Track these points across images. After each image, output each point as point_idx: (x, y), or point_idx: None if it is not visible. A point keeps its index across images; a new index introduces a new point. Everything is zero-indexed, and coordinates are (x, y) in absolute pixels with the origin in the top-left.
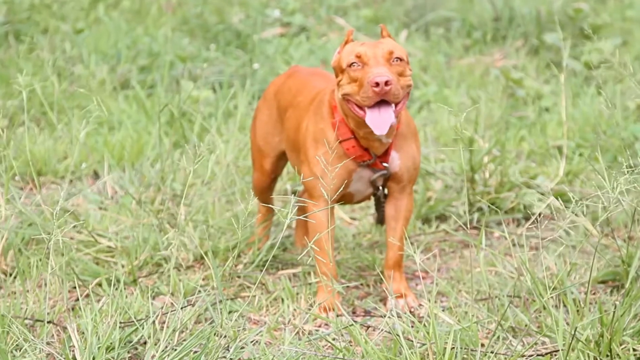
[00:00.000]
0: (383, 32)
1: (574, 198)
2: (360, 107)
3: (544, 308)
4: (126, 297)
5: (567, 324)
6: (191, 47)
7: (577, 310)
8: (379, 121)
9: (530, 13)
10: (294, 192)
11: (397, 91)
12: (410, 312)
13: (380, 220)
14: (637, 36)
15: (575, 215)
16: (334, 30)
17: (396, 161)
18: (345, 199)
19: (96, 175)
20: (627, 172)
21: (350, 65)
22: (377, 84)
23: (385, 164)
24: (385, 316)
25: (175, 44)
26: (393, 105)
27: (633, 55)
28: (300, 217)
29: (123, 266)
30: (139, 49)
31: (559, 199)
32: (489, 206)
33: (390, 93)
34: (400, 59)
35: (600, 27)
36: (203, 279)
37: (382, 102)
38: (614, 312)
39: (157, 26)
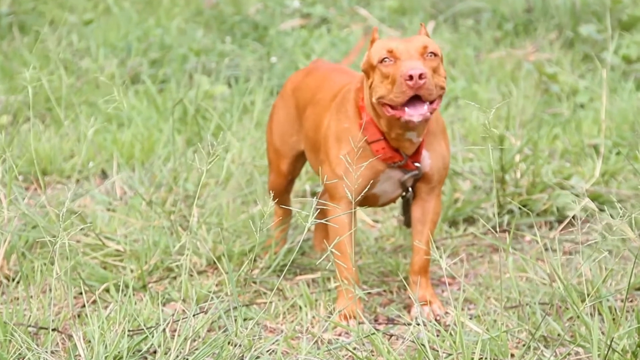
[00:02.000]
0: (421, 31)
1: (611, 200)
2: (394, 108)
3: (578, 317)
4: (135, 303)
5: (603, 333)
6: (205, 39)
7: (614, 319)
8: (415, 109)
9: (564, 3)
10: (314, 194)
11: (431, 86)
12: (436, 320)
13: (408, 222)
14: None
15: (612, 218)
16: (357, 21)
17: (427, 160)
18: (369, 201)
19: (104, 175)
20: None
21: (381, 61)
22: (411, 77)
23: (417, 164)
24: (409, 324)
25: (189, 36)
26: (427, 104)
27: None
28: (322, 221)
29: (132, 271)
30: (150, 41)
31: (595, 201)
32: (520, 208)
33: (424, 88)
34: (435, 54)
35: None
36: (216, 285)
37: (415, 100)
38: None
39: (169, 17)
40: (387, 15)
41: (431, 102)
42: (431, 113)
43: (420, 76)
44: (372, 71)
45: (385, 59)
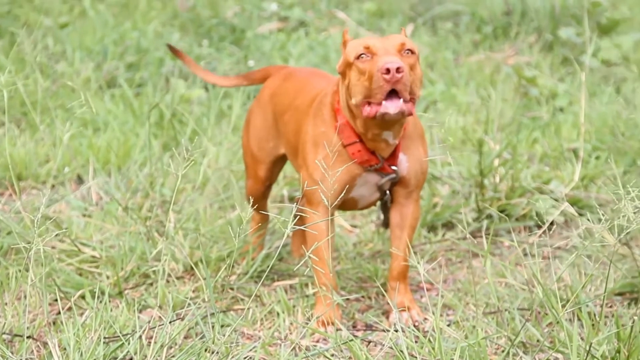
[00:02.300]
0: (402, 32)
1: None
2: (371, 106)
3: (557, 322)
4: (111, 310)
5: (582, 339)
6: (182, 42)
7: (593, 325)
8: (391, 102)
9: (544, 6)
10: (292, 199)
11: (407, 81)
12: (415, 326)
13: (386, 223)
14: None
15: (592, 222)
16: (335, 25)
17: (404, 164)
18: (348, 205)
19: (80, 180)
20: None
21: (358, 57)
22: (388, 71)
23: (394, 167)
24: (388, 331)
25: (166, 39)
26: (401, 100)
27: None
28: (300, 227)
29: (108, 277)
30: (126, 44)
31: (574, 205)
32: (498, 213)
33: (401, 82)
34: (412, 52)
35: (619, 21)
36: (193, 291)
37: (392, 96)
38: (632, 326)
39: (146, 20)
40: (366, 18)
41: (407, 102)
42: (410, 113)
43: (398, 69)
44: (348, 70)
45: (362, 55)
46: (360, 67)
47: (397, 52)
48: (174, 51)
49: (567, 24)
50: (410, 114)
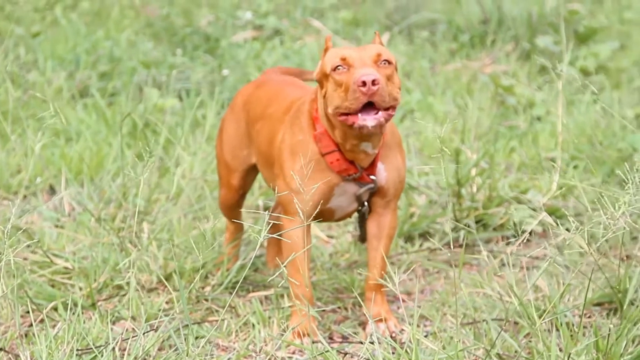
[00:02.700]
0: (376, 40)
1: (567, 214)
2: (348, 115)
3: (535, 333)
4: (84, 322)
5: (560, 349)
6: (156, 52)
7: (571, 335)
8: (369, 115)
9: (521, 15)
10: (267, 209)
11: (384, 93)
12: (391, 337)
13: (363, 237)
14: (636, 39)
15: (569, 232)
16: (310, 33)
17: (382, 173)
18: (325, 215)
19: (52, 191)
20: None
21: (334, 69)
22: (364, 83)
23: (372, 177)
24: (364, 342)
25: (139, 48)
26: (380, 112)
27: (631, 60)
28: (275, 235)
29: (81, 289)
30: (99, 53)
31: (552, 215)
32: (476, 223)
33: (377, 94)
34: (389, 62)
35: (596, 29)
36: (167, 303)
37: (369, 108)
38: (610, 336)
39: (119, 29)
40: (341, 27)
41: (385, 110)
42: (386, 121)
43: (374, 82)
44: (325, 80)
45: (339, 67)
46: (337, 79)
47: (373, 64)
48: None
49: (545, 32)
50: (389, 119)
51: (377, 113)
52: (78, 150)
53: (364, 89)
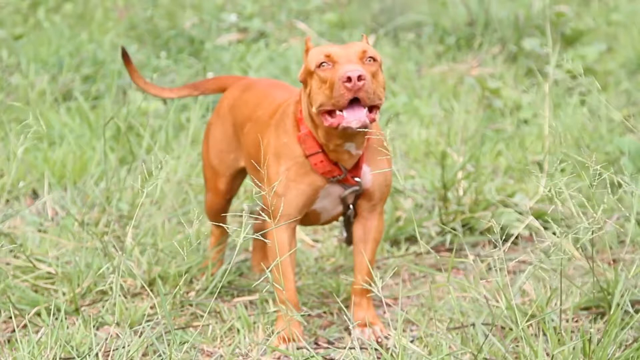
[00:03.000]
0: (364, 41)
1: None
2: (332, 115)
3: (522, 337)
4: (67, 327)
5: (547, 354)
6: (140, 54)
7: (558, 339)
8: (354, 116)
9: (507, 17)
10: (252, 213)
11: (370, 89)
12: (377, 342)
13: (349, 240)
14: (623, 42)
15: (556, 236)
16: (295, 35)
17: (368, 176)
18: (310, 218)
19: (35, 195)
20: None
21: (319, 65)
22: (350, 79)
23: (357, 179)
24: (350, 347)
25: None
26: (365, 109)
27: (619, 63)
28: (256, 237)
29: (64, 294)
30: (82, 56)
31: (539, 219)
32: (462, 227)
33: (363, 90)
34: (374, 59)
35: (583, 32)
36: (151, 308)
37: (354, 104)
38: (596, 340)
39: (102, 32)
40: (327, 29)
41: (370, 110)
42: (371, 122)
43: (359, 77)
44: (309, 78)
45: (323, 64)
46: (322, 76)
47: (358, 60)
48: (126, 57)
49: (531, 34)
50: (373, 120)
51: (362, 111)
52: (61, 154)
53: (349, 85)
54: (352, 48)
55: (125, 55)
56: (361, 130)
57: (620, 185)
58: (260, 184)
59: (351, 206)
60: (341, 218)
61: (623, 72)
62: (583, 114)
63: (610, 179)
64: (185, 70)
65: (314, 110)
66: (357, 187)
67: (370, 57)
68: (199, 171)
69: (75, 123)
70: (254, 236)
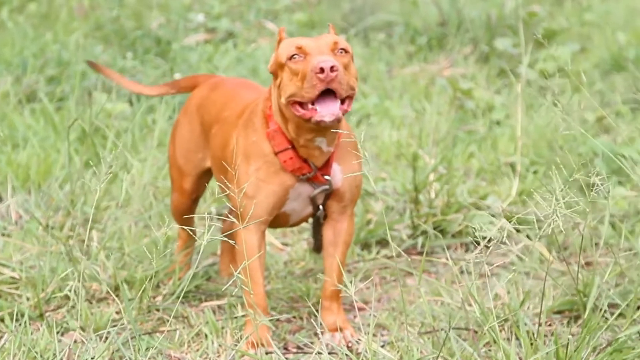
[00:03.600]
0: (330, 31)
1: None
2: (304, 107)
3: (495, 341)
4: (31, 333)
5: (520, 358)
6: (105, 55)
7: (531, 343)
8: (327, 108)
9: (479, 17)
10: (219, 215)
11: (343, 80)
12: (348, 347)
13: (318, 247)
14: (597, 42)
15: (529, 239)
16: (264, 36)
17: (338, 175)
18: (280, 220)
19: None
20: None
21: (290, 57)
22: (322, 70)
23: (327, 177)
24: (320, 352)
25: (88, 51)
26: (339, 101)
27: (592, 63)
28: (224, 239)
29: (28, 299)
30: (47, 57)
31: (511, 221)
32: (433, 231)
33: (336, 81)
34: (346, 51)
35: (556, 32)
36: (117, 313)
37: (327, 95)
38: (570, 344)
39: (67, 32)
40: (296, 29)
41: (342, 102)
42: (343, 114)
43: (332, 68)
44: (280, 70)
45: (295, 56)
46: (293, 68)
47: (330, 52)
48: (94, 66)
49: (504, 34)
50: (346, 112)
51: (335, 104)
52: (25, 156)
53: (322, 76)
54: (323, 40)
55: (93, 66)
56: (334, 124)
57: (593, 187)
58: (228, 185)
59: (321, 207)
60: (311, 222)
61: (597, 73)
62: (556, 115)
63: (584, 181)
64: (152, 71)
65: (283, 101)
66: (327, 186)
67: (342, 48)
68: (165, 174)
69: (39, 125)
70: (220, 237)
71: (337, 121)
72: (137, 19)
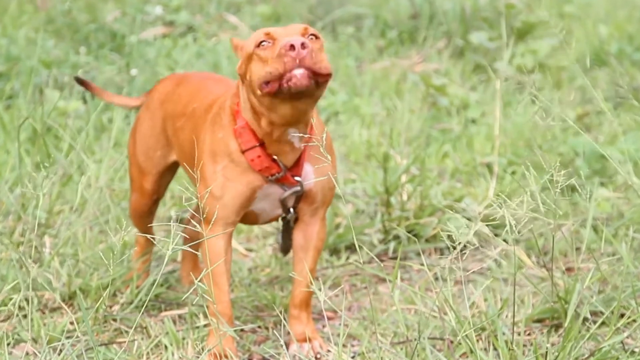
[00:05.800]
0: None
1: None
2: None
3: (471, 351)
4: None
5: None
6: (57, 50)
7: (510, 354)
8: (299, 74)
9: (453, 9)
10: (180, 220)
11: (316, 59)
12: (316, 358)
13: (285, 249)
14: (577, 35)
15: (507, 243)
16: (226, 29)
17: (310, 176)
18: (249, 219)
19: None
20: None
21: (258, 45)
22: (293, 47)
23: (297, 178)
24: None
25: (39, 46)
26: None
27: (573, 57)
28: (186, 248)
29: None
30: None
31: (489, 225)
32: (406, 234)
33: (307, 58)
34: (316, 37)
35: (535, 25)
36: (72, 323)
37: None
38: (550, 354)
39: (16, 26)
40: (260, 22)
41: (317, 85)
42: (317, 83)
43: (303, 45)
44: (249, 63)
45: (263, 42)
46: (262, 55)
47: (300, 36)
48: (81, 82)
49: (479, 28)
50: (323, 82)
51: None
52: None
53: (292, 53)
54: (292, 27)
55: (81, 82)
56: (308, 90)
57: (575, 188)
58: (195, 185)
59: (292, 210)
60: (280, 223)
61: (577, 68)
62: (534, 113)
63: (565, 182)
64: (107, 67)
65: (256, 86)
66: (297, 188)
67: (312, 34)
68: (122, 175)
69: None
70: (185, 247)
71: (314, 84)
72: (91, 12)
